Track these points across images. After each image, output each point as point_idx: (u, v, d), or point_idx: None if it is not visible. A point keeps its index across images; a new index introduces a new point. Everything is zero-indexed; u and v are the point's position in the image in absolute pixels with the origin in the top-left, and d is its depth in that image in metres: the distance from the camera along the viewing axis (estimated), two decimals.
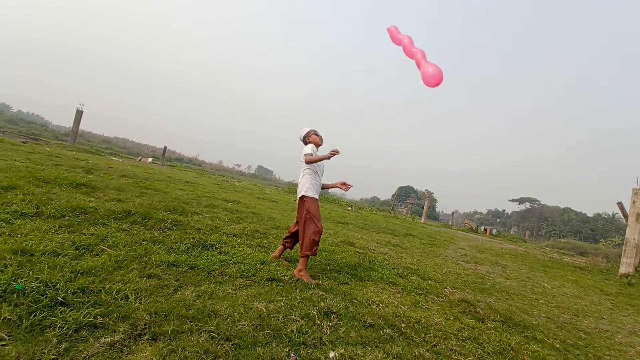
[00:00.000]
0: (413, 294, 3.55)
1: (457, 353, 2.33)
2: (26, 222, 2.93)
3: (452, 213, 41.34)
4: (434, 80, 3.13)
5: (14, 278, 1.94)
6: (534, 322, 3.52)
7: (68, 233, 2.90)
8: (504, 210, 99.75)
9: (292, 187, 34.16)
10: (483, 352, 2.46)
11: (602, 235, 47.66)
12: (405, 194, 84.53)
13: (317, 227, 3.29)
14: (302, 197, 3.45)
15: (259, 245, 4.03)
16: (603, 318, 4.49)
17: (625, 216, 9.82)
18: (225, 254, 3.35)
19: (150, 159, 25.76)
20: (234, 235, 4.18)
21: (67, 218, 3.29)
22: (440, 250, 8.04)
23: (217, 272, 2.86)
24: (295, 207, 10.99)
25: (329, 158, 3.39)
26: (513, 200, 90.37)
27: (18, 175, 4.35)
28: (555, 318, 3.96)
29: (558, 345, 2.97)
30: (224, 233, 4.16)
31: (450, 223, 33.84)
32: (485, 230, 30.49)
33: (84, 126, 23.76)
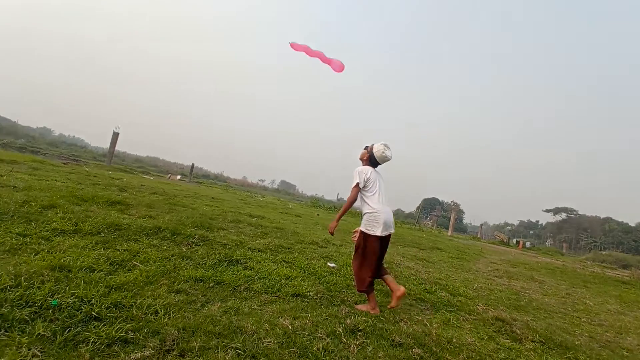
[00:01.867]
0: (442, 311, 3.41)
1: None
2: (65, 239, 3.10)
3: (481, 225, 39.71)
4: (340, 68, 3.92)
5: (50, 294, 2.02)
6: (576, 342, 3.27)
7: (103, 249, 3.04)
8: (537, 221, 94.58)
9: (315, 202, 34.26)
10: None
11: None
12: (430, 205, 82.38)
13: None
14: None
15: (284, 261, 4.03)
16: None
17: None
18: (251, 270, 3.38)
19: (179, 176, 26.74)
20: (258, 251, 4.22)
21: (102, 235, 3.45)
22: (469, 265, 7.70)
23: (242, 287, 2.88)
24: (318, 221, 11.00)
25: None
26: (547, 211, 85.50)
27: (58, 195, 4.64)
28: (598, 337, 3.65)
29: None
30: (249, 248, 4.21)
31: (479, 235, 32.49)
32: (517, 242, 28.99)
33: (119, 147, 25.17)
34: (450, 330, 2.86)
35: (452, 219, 29.44)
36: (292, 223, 8.37)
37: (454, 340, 2.61)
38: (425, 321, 2.94)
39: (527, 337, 3.08)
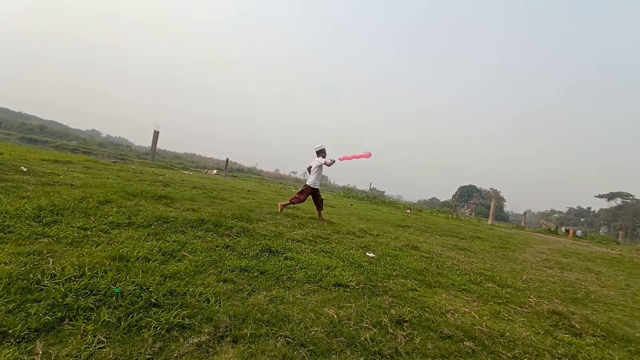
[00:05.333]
0: (491, 303, 3.26)
1: None
2: (121, 231, 3.32)
3: (525, 213, 37.42)
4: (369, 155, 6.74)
5: (113, 282, 2.17)
6: (638, 335, 3.00)
7: (155, 240, 3.22)
8: (589, 208, 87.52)
9: (348, 192, 34.16)
10: None
11: None
12: (467, 194, 79.04)
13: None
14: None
15: (323, 251, 4.05)
16: None
17: None
18: (291, 260, 3.42)
19: (215, 171, 27.80)
20: (297, 241, 4.26)
21: (153, 227, 3.66)
22: (515, 255, 7.30)
23: (285, 277, 2.93)
24: (352, 211, 11.00)
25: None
26: (601, 196, 78.76)
27: (112, 191, 4.98)
28: None
29: None
30: (287, 239, 4.27)
31: (522, 224, 30.72)
32: (567, 231, 27.10)
33: (159, 145, 26.59)
34: (502, 323, 2.72)
35: (492, 207, 27.96)
36: (327, 214, 8.39)
37: (507, 334, 2.48)
38: (473, 313, 2.82)
39: (588, 332, 2.87)
